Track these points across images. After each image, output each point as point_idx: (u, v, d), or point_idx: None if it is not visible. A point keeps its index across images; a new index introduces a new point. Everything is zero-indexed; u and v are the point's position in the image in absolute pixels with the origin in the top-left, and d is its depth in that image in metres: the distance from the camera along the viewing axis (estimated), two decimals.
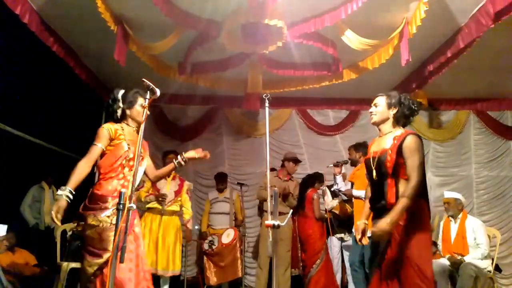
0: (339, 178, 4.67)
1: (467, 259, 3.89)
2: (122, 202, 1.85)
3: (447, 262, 4.01)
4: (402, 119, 2.48)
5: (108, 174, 2.38)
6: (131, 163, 2.42)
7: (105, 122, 2.53)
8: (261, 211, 5.13)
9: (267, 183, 4.85)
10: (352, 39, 3.85)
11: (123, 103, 2.53)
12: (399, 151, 2.33)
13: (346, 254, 4.76)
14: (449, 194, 4.34)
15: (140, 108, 2.53)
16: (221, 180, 5.32)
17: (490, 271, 3.95)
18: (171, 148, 5.04)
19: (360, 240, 2.54)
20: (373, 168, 2.45)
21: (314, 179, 5.04)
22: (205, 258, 4.75)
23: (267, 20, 3.58)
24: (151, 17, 3.89)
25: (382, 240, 2.31)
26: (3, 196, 4.51)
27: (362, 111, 6.36)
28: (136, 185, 2.42)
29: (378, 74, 4.85)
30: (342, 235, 4.87)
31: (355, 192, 4.00)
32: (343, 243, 4.90)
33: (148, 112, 2.58)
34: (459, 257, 3.94)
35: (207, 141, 6.32)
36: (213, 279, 4.62)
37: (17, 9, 3.39)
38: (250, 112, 6.11)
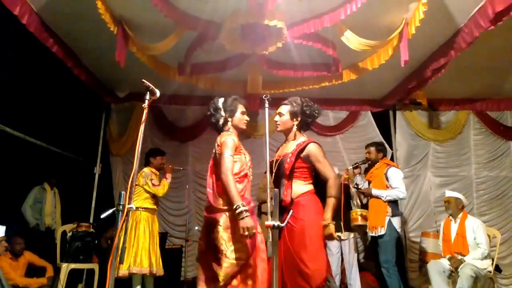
0: (359, 179, 4.70)
1: (467, 259, 3.90)
2: (121, 203, 1.85)
3: (447, 262, 4.01)
4: (305, 126, 2.72)
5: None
6: (251, 170, 2.54)
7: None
8: (260, 212, 5.10)
9: (266, 184, 4.88)
10: (352, 40, 3.84)
11: (224, 111, 2.55)
12: (299, 156, 2.53)
13: (345, 254, 4.70)
14: (450, 193, 4.38)
15: (241, 115, 2.59)
16: None
17: (490, 271, 3.96)
18: (166, 149, 4.93)
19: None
20: (273, 169, 2.63)
21: None
22: None
23: (266, 20, 3.58)
24: (151, 18, 3.89)
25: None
26: (4, 197, 4.51)
27: (362, 112, 6.37)
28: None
29: (378, 74, 4.86)
30: (339, 234, 4.75)
31: (374, 191, 4.14)
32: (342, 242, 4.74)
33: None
34: (459, 257, 3.94)
35: (206, 141, 6.30)
36: None
37: (16, 10, 3.38)
38: (250, 112, 6.08)
